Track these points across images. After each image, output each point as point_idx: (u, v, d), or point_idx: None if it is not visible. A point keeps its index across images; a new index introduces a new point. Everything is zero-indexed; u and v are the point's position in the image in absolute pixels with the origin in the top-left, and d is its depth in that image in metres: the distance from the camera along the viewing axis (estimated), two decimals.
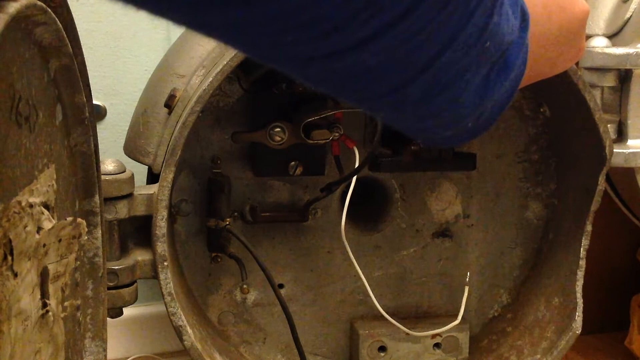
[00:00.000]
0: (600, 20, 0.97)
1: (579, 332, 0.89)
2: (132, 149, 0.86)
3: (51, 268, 0.54)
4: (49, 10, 0.51)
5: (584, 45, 0.52)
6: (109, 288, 0.75)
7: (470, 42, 0.35)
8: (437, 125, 0.40)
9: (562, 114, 0.94)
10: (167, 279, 0.78)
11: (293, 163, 0.90)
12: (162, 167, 0.78)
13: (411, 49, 0.33)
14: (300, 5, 0.29)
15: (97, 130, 0.65)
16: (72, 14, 0.56)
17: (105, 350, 0.69)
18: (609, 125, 0.87)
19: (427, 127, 0.41)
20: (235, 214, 0.92)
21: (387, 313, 0.92)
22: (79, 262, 0.63)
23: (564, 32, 0.49)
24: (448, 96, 0.37)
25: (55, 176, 0.55)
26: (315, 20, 0.30)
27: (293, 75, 0.34)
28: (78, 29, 0.58)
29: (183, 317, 0.79)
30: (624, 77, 0.90)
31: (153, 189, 0.78)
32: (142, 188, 0.79)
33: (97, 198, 0.66)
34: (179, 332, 0.79)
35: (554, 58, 0.50)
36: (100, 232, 0.67)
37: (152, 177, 0.85)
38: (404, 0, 0.30)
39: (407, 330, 0.94)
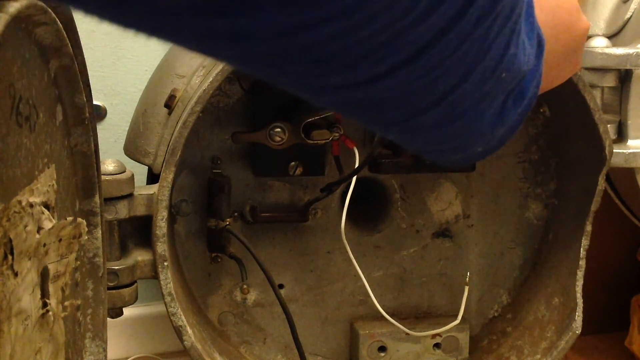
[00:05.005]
0: (600, 21, 0.97)
1: (579, 332, 0.89)
2: (132, 149, 0.86)
3: (51, 268, 0.54)
4: (50, 10, 0.51)
5: (582, 59, 0.53)
6: (109, 288, 0.75)
7: (486, 74, 0.34)
8: (447, 149, 0.40)
9: (562, 114, 0.94)
10: (167, 279, 0.78)
11: (293, 163, 0.90)
12: (162, 167, 0.78)
13: (426, 83, 0.32)
14: (311, 43, 0.28)
15: (97, 131, 0.65)
16: (73, 14, 0.56)
17: (105, 350, 0.69)
18: (609, 126, 0.87)
19: (436, 150, 0.41)
20: (235, 214, 0.92)
21: (387, 313, 0.92)
22: (79, 262, 0.63)
23: (568, 49, 0.50)
24: (461, 125, 0.37)
25: (55, 176, 0.55)
26: (327, 57, 0.29)
27: (303, 97, 0.34)
28: (78, 29, 0.58)
29: (183, 318, 0.79)
30: (624, 77, 0.90)
31: (153, 189, 0.78)
32: (142, 188, 0.79)
33: (97, 198, 0.66)
34: (179, 332, 0.79)
35: (556, 74, 0.51)
36: (100, 232, 0.67)
37: (152, 177, 0.85)
38: (418, 40, 0.30)
39: (407, 331, 0.94)
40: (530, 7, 0.38)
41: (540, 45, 0.40)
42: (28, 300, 0.49)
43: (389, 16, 0.28)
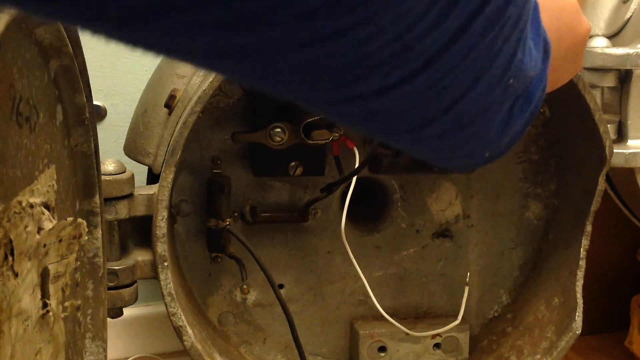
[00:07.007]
0: (600, 21, 0.97)
1: (579, 332, 0.89)
2: (133, 149, 0.86)
3: (51, 268, 0.54)
4: None
5: (582, 61, 0.53)
6: (109, 288, 0.75)
7: (493, 82, 0.34)
8: (454, 156, 0.40)
9: (562, 114, 0.94)
10: (167, 279, 0.78)
11: (293, 163, 0.90)
12: (162, 168, 0.78)
13: (433, 93, 0.32)
14: (322, 57, 0.28)
15: (98, 131, 0.65)
16: None
17: (105, 350, 0.69)
18: (609, 126, 0.87)
19: (443, 157, 0.41)
20: (235, 214, 0.92)
21: (387, 313, 0.92)
22: (79, 263, 0.63)
23: (570, 52, 0.50)
24: (468, 133, 0.37)
25: (55, 176, 0.55)
26: (336, 71, 0.29)
27: (309, 110, 0.34)
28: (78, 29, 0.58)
29: (183, 318, 0.79)
30: (624, 77, 0.90)
31: (153, 189, 0.78)
32: (142, 188, 0.79)
33: (97, 198, 0.66)
34: (179, 332, 0.79)
35: (558, 76, 0.51)
36: (100, 232, 0.67)
37: (152, 178, 0.85)
38: (426, 52, 0.30)
39: (407, 331, 0.94)
40: (537, 12, 0.38)
41: (546, 50, 0.40)
42: (28, 300, 0.49)
43: (397, 29, 0.28)
